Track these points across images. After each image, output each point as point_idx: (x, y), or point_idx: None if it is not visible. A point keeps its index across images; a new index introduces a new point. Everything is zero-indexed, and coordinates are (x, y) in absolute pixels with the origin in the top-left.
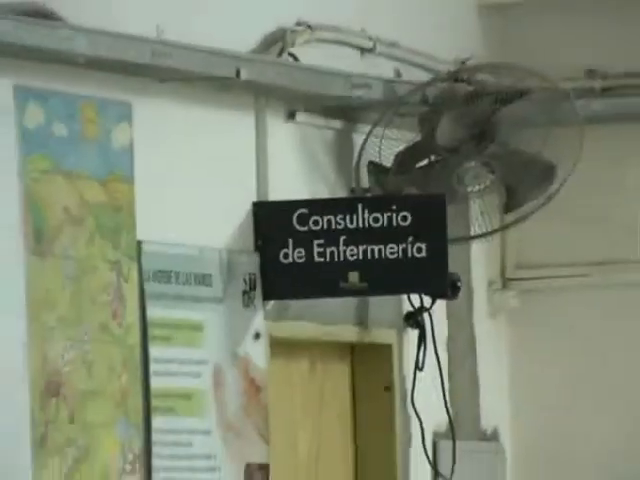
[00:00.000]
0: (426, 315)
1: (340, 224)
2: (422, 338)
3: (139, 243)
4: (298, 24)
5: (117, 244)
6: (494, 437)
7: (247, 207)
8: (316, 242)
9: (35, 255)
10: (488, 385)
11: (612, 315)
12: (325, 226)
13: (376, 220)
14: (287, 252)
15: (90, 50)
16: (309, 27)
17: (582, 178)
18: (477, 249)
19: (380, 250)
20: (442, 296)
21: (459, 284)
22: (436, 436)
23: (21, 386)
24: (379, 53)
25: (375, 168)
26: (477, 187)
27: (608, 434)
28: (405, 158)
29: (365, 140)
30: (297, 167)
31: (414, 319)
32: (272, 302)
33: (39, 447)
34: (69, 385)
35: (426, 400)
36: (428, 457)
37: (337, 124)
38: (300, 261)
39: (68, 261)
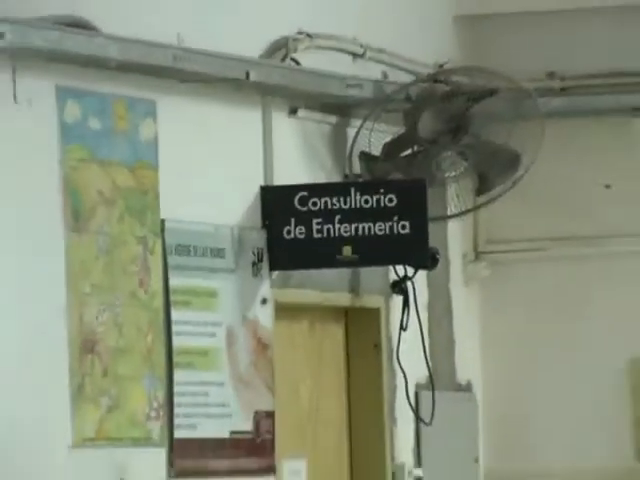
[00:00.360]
0: (409, 283)
1: (335, 205)
2: (406, 303)
3: (162, 221)
4: (299, 33)
5: (143, 222)
6: (468, 388)
7: (255, 191)
8: (315, 220)
9: (73, 232)
10: (462, 343)
11: (567, 282)
12: (322, 207)
13: (366, 202)
14: (290, 229)
15: (120, 55)
16: (309, 36)
17: (543, 165)
18: (453, 226)
19: (370, 227)
20: (423, 267)
21: (437, 256)
22: (418, 387)
23: (61, 344)
24: (369, 58)
25: (366, 157)
26: (453, 173)
27: (565, 383)
28: (391, 148)
29: (357, 133)
30: (298, 156)
31: (399, 287)
32: (277, 272)
33: (77, 396)
34: (102, 343)
35: (409, 356)
36: (411, 405)
37: (333, 119)
38: (301, 237)
39: (101, 237)
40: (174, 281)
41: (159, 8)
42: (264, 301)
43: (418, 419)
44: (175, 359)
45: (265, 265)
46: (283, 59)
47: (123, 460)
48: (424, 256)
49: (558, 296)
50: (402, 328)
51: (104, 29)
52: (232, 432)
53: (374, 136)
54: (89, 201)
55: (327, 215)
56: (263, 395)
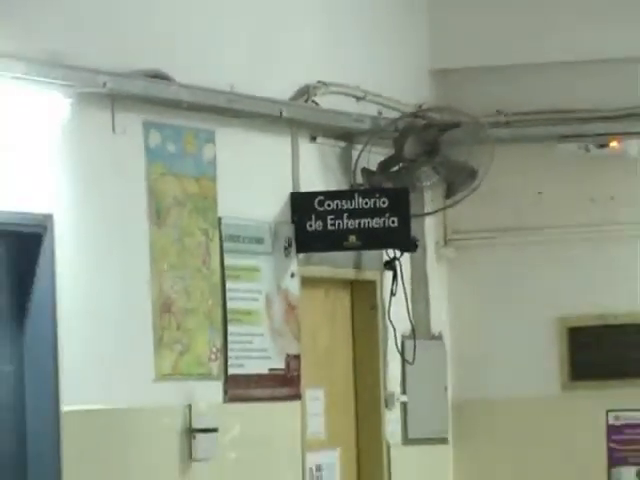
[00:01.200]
0: (397, 262)
1: (344, 206)
2: (394, 276)
3: (219, 218)
4: (318, 82)
5: (206, 219)
6: (439, 337)
7: (286, 196)
8: (329, 217)
9: (155, 225)
10: (435, 305)
11: (512, 261)
12: (334, 207)
13: (366, 203)
14: (311, 223)
15: (189, 98)
16: (325, 84)
17: (494, 178)
18: (429, 221)
19: (368, 222)
20: (407, 250)
21: (417, 243)
22: (403, 337)
23: (147, 306)
24: (368, 100)
25: (366, 171)
26: (428, 183)
27: (511, 332)
28: (384, 165)
29: (359, 154)
30: (317, 171)
31: (390, 264)
32: (302, 254)
33: (158, 344)
34: (176, 305)
35: (397, 315)
36: (398, 350)
37: (342, 144)
38: (319, 229)
39: (175, 229)
40: (228, 261)
41: (218, 63)
42: (292, 275)
43: (404, 360)
44: (228, 317)
45: (293, 249)
46: (306, 101)
47: (191, 390)
48: (408, 243)
49: (505, 270)
50: (392, 294)
51: (178, 79)
52: (270, 369)
53: (371, 157)
54: (166, 203)
55: (338, 213)
56: (292, 342)
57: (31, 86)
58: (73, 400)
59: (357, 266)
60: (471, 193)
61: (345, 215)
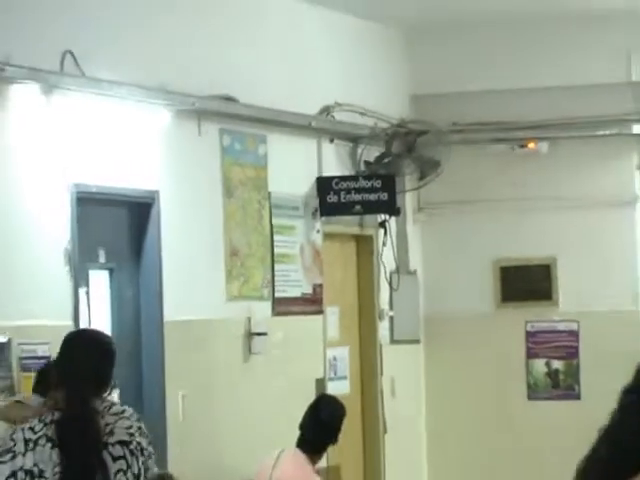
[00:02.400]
0: (387, 223)
1: (351, 186)
2: (385, 232)
3: (269, 193)
4: (335, 103)
5: (260, 193)
6: (414, 273)
7: (314, 179)
8: (342, 193)
9: (227, 198)
10: (413, 249)
11: (466, 224)
12: (345, 186)
13: (366, 184)
14: (330, 197)
15: (249, 113)
16: (339, 104)
17: (452, 167)
18: (408, 196)
19: (368, 196)
20: (393, 215)
21: (400, 210)
22: (391, 272)
23: (221, 252)
24: (368, 115)
25: (367, 163)
26: (408, 171)
27: (463, 269)
28: (378, 159)
29: (362, 151)
30: (334, 162)
31: (382, 224)
32: (324, 218)
33: (228, 277)
34: (240, 251)
35: (387, 258)
36: (387, 281)
37: (351, 145)
38: (335, 201)
39: (240, 200)
40: (275, 221)
41: (266, 89)
42: (318, 231)
43: (391, 288)
44: (275, 259)
45: (318, 214)
46: (327, 115)
47: (250, 307)
48: (394, 210)
49: (459, 229)
50: (383, 244)
51: (241, 100)
52: (302, 293)
53: (370, 153)
54: (234, 183)
55: (347, 190)
56: (317, 276)
57: (145, 105)
58: (172, 314)
59: (360, 225)
60: (435, 178)
61: (353, 191)
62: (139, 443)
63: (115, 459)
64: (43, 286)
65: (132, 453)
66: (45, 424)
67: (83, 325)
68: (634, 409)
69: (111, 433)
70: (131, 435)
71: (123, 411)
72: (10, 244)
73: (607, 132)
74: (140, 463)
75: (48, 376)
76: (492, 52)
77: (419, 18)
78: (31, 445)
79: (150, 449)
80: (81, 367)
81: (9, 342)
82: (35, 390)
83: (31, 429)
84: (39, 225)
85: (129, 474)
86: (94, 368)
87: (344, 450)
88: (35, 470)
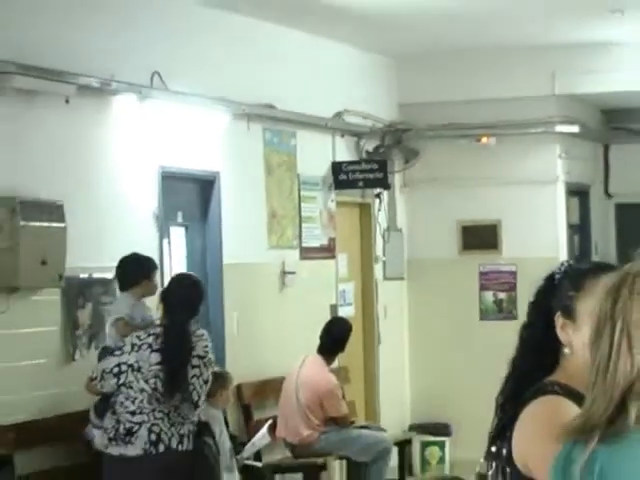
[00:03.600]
0: (381, 195)
1: (357, 168)
2: (380, 201)
3: (298, 175)
4: (345, 110)
5: (291, 173)
6: (400, 230)
7: (329, 163)
8: (349, 173)
9: (268, 176)
10: (399, 213)
11: (437, 197)
12: (352, 169)
13: (367, 166)
14: (341, 176)
15: (283, 116)
16: (347, 110)
17: (427, 155)
18: (397, 175)
19: (368, 175)
20: (386, 189)
21: (390, 185)
22: (384, 230)
23: (264, 215)
24: (368, 118)
25: (367, 152)
26: (396, 158)
27: (440, 225)
28: (376, 149)
29: (364, 143)
30: (344, 151)
31: (378, 196)
32: (337, 190)
33: (269, 232)
34: (277, 214)
35: (381, 218)
36: (382, 235)
37: (356, 139)
38: (345, 179)
39: (277, 178)
40: (302, 193)
41: (294, 100)
42: (332, 200)
43: (384, 240)
44: (302, 220)
45: (332, 188)
46: (338, 118)
47: (284, 253)
48: (386, 185)
49: (433, 200)
50: (378, 210)
51: (278, 106)
52: (321, 244)
53: (370, 145)
54: (273, 165)
55: (353, 171)
56: (331, 232)
57: (211, 110)
58: (229, 259)
59: (362, 196)
60: (415, 163)
61: (357, 172)
62: (210, 358)
63: (193, 367)
64: (139, 238)
65: (205, 365)
66: (148, 335)
67: (166, 265)
68: (531, 329)
69: (193, 349)
70: (206, 352)
71: (202, 334)
72: (117, 209)
73: (537, 130)
74: (209, 373)
75: (123, 272)
76: (456, 73)
77: (404, 50)
78: (136, 348)
79: (211, 356)
80: (181, 298)
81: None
82: (123, 288)
83: (137, 337)
84: (136, 195)
85: (200, 380)
86: (189, 300)
87: (350, 355)
88: (135, 365)
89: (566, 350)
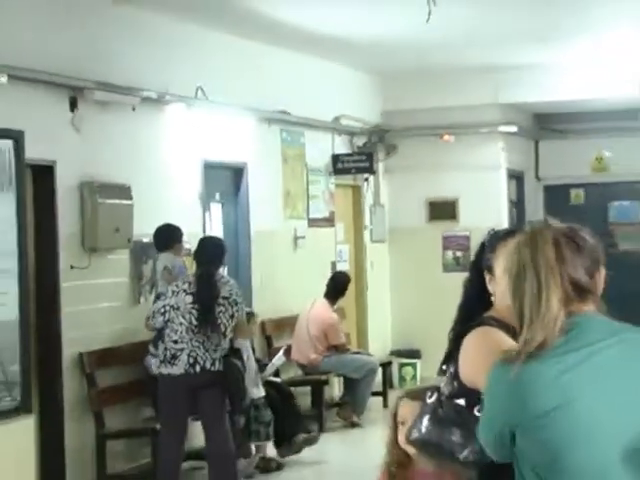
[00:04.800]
0: (369, 178)
1: (350, 159)
2: (367, 183)
3: (306, 163)
4: (341, 115)
5: (301, 163)
6: (383, 206)
7: (330, 155)
8: (345, 162)
9: (285, 164)
10: (382, 193)
11: (411, 180)
12: (347, 159)
13: (358, 158)
14: (338, 165)
15: (295, 120)
16: (344, 115)
17: (404, 148)
18: (380, 164)
19: (358, 164)
20: (371, 174)
21: (375, 171)
22: (370, 205)
23: (280, 193)
24: (359, 122)
25: (358, 147)
26: (380, 151)
27: (413, 203)
28: (364, 144)
29: (355, 140)
30: (341, 146)
31: (366, 179)
32: (336, 176)
33: (284, 206)
34: (291, 193)
35: (368, 197)
36: (370, 210)
37: (350, 137)
38: (342, 166)
39: (290, 166)
40: (310, 178)
41: (305, 108)
42: (332, 183)
43: (370, 212)
44: (310, 197)
45: (332, 174)
46: (337, 121)
47: (295, 223)
48: (372, 171)
49: (407, 181)
50: (366, 190)
51: (293, 113)
52: (323, 216)
53: (360, 141)
54: (288, 157)
55: (348, 161)
56: (331, 206)
57: (241, 116)
58: (254, 227)
59: (355, 180)
60: (394, 154)
61: (350, 162)
62: (235, 299)
63: (219, 305)
64: (187, 212)
65: (229, 303)
66: (183, 282)
67: (208, 233)
68: (471, 282)
69: (219, 292)
70: (230, 294)
71: (227, 281)
72: (171, 190)
73: (485, 130)
74: (233, 310)
75: (160, 238)
76: (425, 87)
77: (386, 70)
78: (175, 293)
79: (240, 300)
80: (208, 255)
81: None
82: (160, 249)
83: (176, 285)
84: (185, 180)
85: (226, 314)
86: (214, 255)
87: (346, 299)
88: (175, 306)
89: (492, 298)
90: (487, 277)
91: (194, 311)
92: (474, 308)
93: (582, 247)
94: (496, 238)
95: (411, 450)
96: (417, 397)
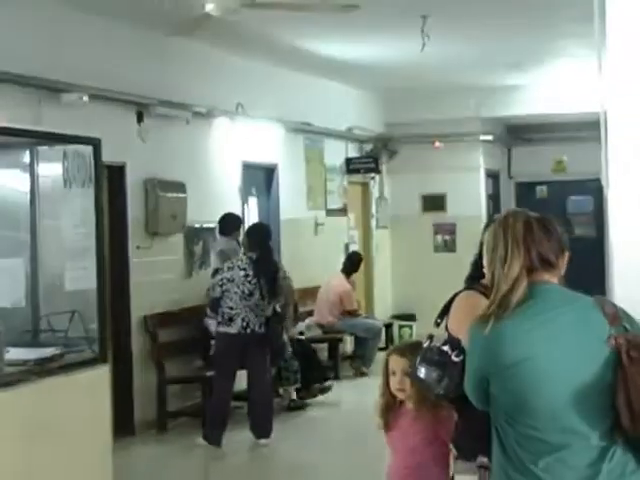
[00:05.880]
0: (375, 176)
1: (359, 162)
2: (374, 181)
3: (324, 163)
4: (353, 126)
5: (320, 163)
6: (387, 199)
7: (343, 158)
8: (356, 164)
9: (307, 165)
10: (386, 189)
11: (405, 172)
12: (358, 161)
13: (366, 160)
14: (351, 165)
15: (318, 130)
16: (355, 127)
17: (402, 152)
18: (384, 165)
19: (366, 165)
20: (377, 173)
21: (380, 171)
22: (376, 198)
23: (304, 187)
24: (365, 131)
25: (366, 152)
26: (383, 155)
27: (408, 184)
28: (370, 151)
29: (364, 147)
30: (352, 151)
31: (373, 178)
32: (348, 175)
33: (307, 197)
34: (312, 187)
35: (374, 189)
36: (375, 202)
37: (359, 144)
38: (353, 167)
39: (312, 167)
40: (328, 176)
41: (322, 120)
42: (345, 181)
43: (376, 204)
44: (327, 192)
45: (346, 173)
46: (349, 131)
47: (317, 212)
48: (378, 171)
49: (406, 179)
50: (373, 186)
51: (314, 123)
52: (338, 207)
53: (367, 147)
54: (309, 158)
55: (357, 163)
56: (345, 199)
57: (273, 127)
58: (283, 215)
59: (364, 178)
60: (395, 157)
61: (360, 164)
62: (284, 272)
63: (278, 278)
64: (229, 203)
65: (283, 277)
66: (237, 260)
67: (246, 221)
68: (474, 266)
69: (279, 267)
70: (280, 270)
71: (279, 261)
72: (217, 185)
73: (469, 139)
74: (286, 282)
75: (226, 223)
76: (420, 103)
77: (388, 89)
78: (230, 268)
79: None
80: (261, 236)
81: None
82: (223, 233)
83: (231, 262)
84: (228, 177)
85: (284, 283)
86: (267, 237)
87: (358, 274)
88: (230, 279)
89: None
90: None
91: (247, 283)
92: (476, 277)
93: (551, 231)
94: (486, 225)
95: (400, 395)
96: (403, 353)
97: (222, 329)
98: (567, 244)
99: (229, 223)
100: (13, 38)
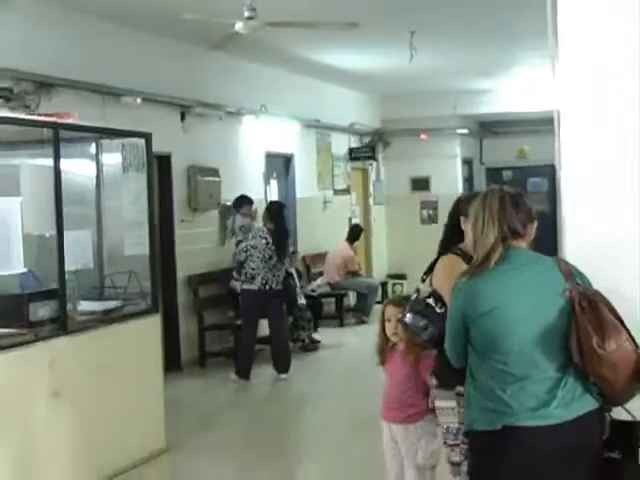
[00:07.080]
0: (372, 163)
1: (359, 151)
2: (372, 166)
3: (332, 153)
4: (354, 122)
5: (328, 153)
6: (382, 181)
7: (347, 148)
8: (357, 152)
9: (317, 156)
10: (382, 173)
11: (399, 163)
12: (358, 151)
13: (365, 150)
14: (353, 154)
15: (326, 126)
16: (356, 123)
17: (394, 143)
18: (380, 154)
19: (365, 154)
20: (374, 160)
21: (377, 158)
22: (374, 181)
23: (315, 176)
24: (364, 127)
25: (365, 144)
26: (379, 145)
27: (400, 174)
28: (368, 142)
29: (364, 139)
30: (354, 143)
31: (371, 163)
32: (351, 162)
33: (318, 183)
34: (321, 174)
35: (372, 175)
36: (372, 184)
37: (360, 137)
38: (355, 155)
39: (322, 156)
40: (335, 164)
41: (331, 121)
42: (349, 167)
43: (374, 186)
44: (334, 176)
45: (349, 160)
46: (351, 126)
47: (325, 192)
48: (375, 159)
49: (398, 165)
50: (371, 171)
51: (322, 121)
52: (343, 188)
53: (367, 139)
54: (320, 149)
55: (359, 152)
56: (348, 181)
57: (290, 124)
58: (299, 194)
59: (364, 165)
60: (389, 148)
61: (361, 152)
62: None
63: (288, 245)
64: (254, 186)
65: (290, 244)
66: (258, 230)
67: (269, 199)
68: (447, 225)
69: (290, 235)
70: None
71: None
72: (244, 171)
73: (448, 132)
74: (292, 248)
75: (237, 201)
76: (410, 104)
77: (384, 93)
78: (253, 237)
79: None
80: (278, 211)
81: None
82: (236, 209)
83: (253, 233)
84: (254, 164)
85: (290, 250)
86: (282, 211)
87: (359, 241)
88: (253, 245)
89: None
90: (462, 220)
91: (267, 249)
92: (449, 241)
93: (520, 205)
94: (468, 198)
95: (393, 338)
96: (398, 304)
97: (245, 286)
98: (534, 215)
99: (237, 200)
100: (85, 54)
